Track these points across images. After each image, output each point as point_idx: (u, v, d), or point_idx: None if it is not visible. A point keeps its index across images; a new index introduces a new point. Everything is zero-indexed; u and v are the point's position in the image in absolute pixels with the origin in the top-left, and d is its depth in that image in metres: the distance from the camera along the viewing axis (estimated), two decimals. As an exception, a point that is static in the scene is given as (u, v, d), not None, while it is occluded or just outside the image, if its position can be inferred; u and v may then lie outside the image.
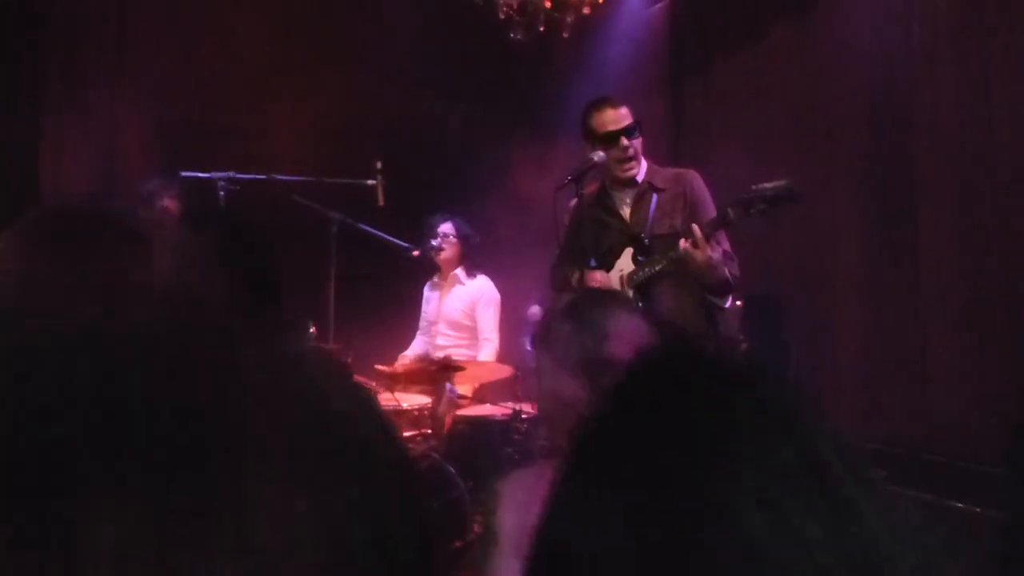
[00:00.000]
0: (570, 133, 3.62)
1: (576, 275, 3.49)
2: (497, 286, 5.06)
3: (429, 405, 4.48)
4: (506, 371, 4.52)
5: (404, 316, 5.31)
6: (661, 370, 0.63)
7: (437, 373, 4.41)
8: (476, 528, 3.89)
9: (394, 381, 4.46)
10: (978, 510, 3.72)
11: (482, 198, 5.38)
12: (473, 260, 5.06)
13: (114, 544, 0.34)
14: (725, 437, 0.56)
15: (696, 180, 3.51)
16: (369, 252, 4.65)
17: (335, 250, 4.27)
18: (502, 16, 4.67)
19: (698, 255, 3.12)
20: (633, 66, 5.72)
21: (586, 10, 4.70)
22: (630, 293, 3.39)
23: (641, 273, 3.39)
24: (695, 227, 3.14)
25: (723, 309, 3.42)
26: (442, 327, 5.10)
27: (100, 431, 0.36)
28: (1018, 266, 4.19)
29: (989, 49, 4.34)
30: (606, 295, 2.71)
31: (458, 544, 3.79)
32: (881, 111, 4.83)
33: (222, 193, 4.12)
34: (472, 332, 5.04)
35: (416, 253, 4.79)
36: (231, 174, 4.13)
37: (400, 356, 5.05)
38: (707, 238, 3.14)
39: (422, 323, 5.24)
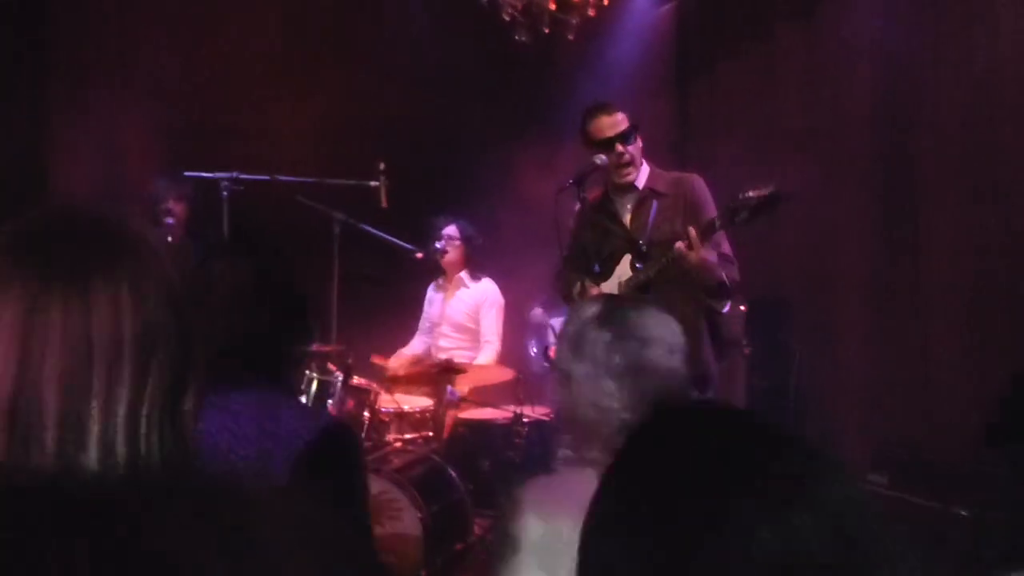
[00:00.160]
0: (575, 135, 3.61)
1: (578, 286, 3.50)
2: (500, 288, 5.05)
3: (431, 407, 4.47)
4: (508, 374, 4.51)
5: (406, 317, 5.30)
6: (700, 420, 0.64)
7: (438, 376, 4.41)
8: (477, 531, 3.89)
9: (395, 383, 4.45)
10: (978, 511, 3.72)
11: (486, 200, 5.37)
12: (477, 262, 5.04)
13: None
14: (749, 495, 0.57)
15: (697, 183, 3.50)
16: (372, 253, 4.64)
17: (338, 251, 4.28)
18: (506, 18, 4.65)
19: (692, 256, 3.13)
20: (638, 67, 5.71)
21: (591, 12, 4.68)
22: None
23: (638, 278, 3.38)
24: (691, 228, 3.15)
25: (722, 313, 3.41)
26: (445, 329, 5.09)
27: None
28: (1020, 267, 4.19)
29: (993, 50, 4.34)
30: (638, 299, 2.69)
31: (459, 547, 3.79)
32: (885, 112, 4.83)
33: (225, 193, 4.11)
34: (475, 335, 5.03)
35: (420, 255, 4.78)
36: (235, 174, 4.13)
37: (396, 353, 5.05)
38: (703, 240, 3.14)
39: (423, 324, 5.23)
